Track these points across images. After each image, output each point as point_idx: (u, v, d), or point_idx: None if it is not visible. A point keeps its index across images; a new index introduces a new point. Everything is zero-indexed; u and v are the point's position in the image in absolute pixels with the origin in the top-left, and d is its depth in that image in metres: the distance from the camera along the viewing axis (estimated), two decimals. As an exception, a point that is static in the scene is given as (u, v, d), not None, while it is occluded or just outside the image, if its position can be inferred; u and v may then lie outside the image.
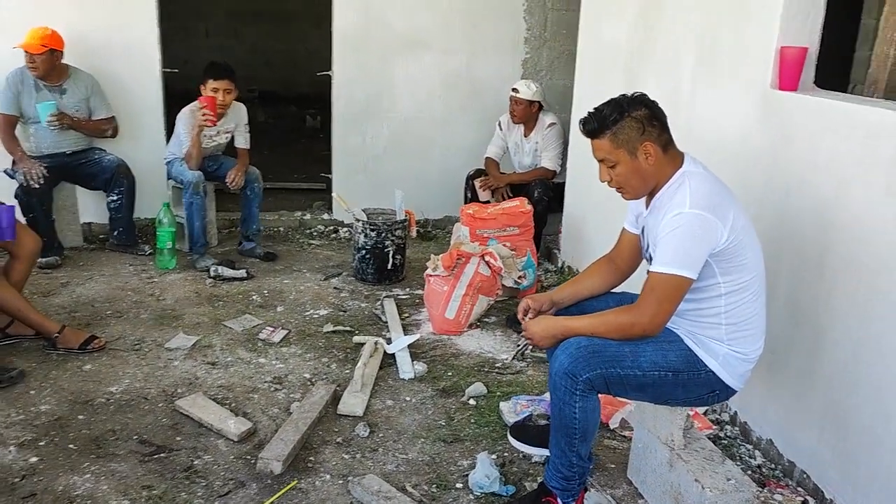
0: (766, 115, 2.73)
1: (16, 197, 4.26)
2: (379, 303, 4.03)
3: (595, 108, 2.19)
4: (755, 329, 2.20)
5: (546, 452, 2.56)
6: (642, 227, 2.33)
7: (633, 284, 2.49)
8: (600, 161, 2.21)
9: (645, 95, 2.20)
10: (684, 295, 2.10)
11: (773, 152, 2.69)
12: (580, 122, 2.22)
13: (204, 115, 4.28)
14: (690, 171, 2.16)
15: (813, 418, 2.51)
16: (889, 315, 2.19)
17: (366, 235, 4.30)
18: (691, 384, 2.19)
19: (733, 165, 2.80)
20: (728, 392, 2.23)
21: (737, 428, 2.93)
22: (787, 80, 2.66)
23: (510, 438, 2.72)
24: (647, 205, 2.28)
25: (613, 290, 2.50)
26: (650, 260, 2.27)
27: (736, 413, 2.94)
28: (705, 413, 2.97)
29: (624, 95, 2.19)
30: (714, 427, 2.90)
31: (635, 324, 2.13)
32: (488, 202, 4.78)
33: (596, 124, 2.16)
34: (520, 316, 2.46)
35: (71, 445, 2.64)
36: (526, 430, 2.72)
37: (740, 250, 2.11)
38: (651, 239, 2.22)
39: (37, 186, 4.24)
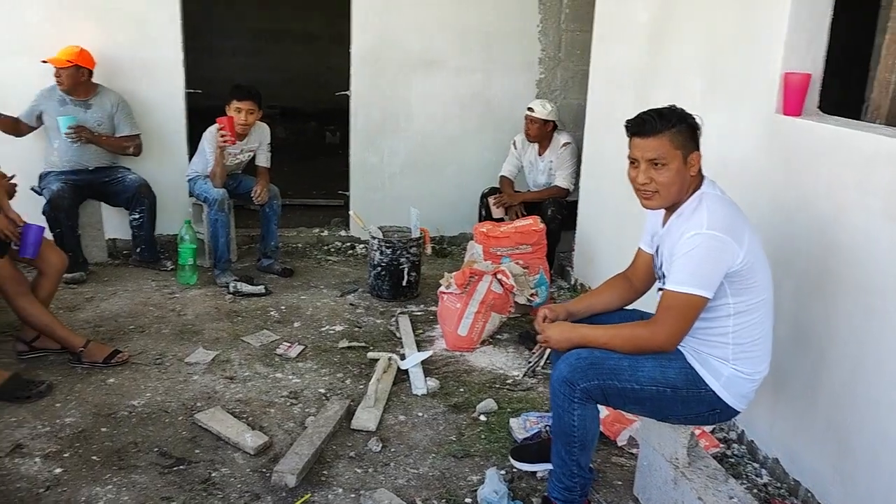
0: (771, 139, 2.78)
1: (43, 213, 4.40)
2: (394, 319, 4.11)
3: (652, 110, 2.23)
4: (761, 350, 2.25)
5: (547, 466, 2.63)
6: (657, 245, 2.39)
7: (644, 303, 2.55)
8: (649, 161, 2.20)
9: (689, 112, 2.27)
10: (699, 314, 2.16)
11: (777, 176, 2.75)
12: (630, 121, 2.24)
13: (223, 135, 4.41)
14: (708, 193, 2.23)
15: (816, 437, 2.55)
16: (886, 336, 2.23)
17: (381, 253, 4.39)
18: (691, 401, 2.24)
19: (738, 188, 2.84)
20: (730, 412, 2.27)
21: (744, 446, 2.97)
22: (791, 105, 2.71)
23: (512, 461, 2.77)
24: (664, 223, 2.34)
25: (625, 307, 2.57)
26: (662, 278, 2.33)
27: (743, 431, 2.98)
28: (712, 431, 3.01)
29: (674, 105, 2.25)
30: (721, 445, 2.94)
31: (651, 339, 2.19)
32: (502, 220, 4.85)
33: (658, 123, 2.18)
34: (537, 322, 2.52)
35: (94, 457, 2.74)
36: (525, 449, 2.78)
37: (753, 272, 2.16)
38: (666, 257, 2.28)
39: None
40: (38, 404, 3.07)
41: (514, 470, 2.75)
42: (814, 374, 2.55)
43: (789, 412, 2.69)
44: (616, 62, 4.15)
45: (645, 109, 2.27)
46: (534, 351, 2.62)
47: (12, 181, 3.59)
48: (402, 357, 3.62)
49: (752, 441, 2.92)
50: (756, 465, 2.86)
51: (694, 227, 2.14)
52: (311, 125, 9.85)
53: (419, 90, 5.32)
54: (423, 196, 5.30)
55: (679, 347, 2.26)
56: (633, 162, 2.27)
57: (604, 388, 2.20)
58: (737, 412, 2.29)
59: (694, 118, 2.25)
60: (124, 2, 4.81)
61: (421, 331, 4.01)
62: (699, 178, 2.27)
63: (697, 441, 2.55)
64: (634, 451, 2.88)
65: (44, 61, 4.46)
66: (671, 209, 2.30)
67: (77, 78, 4.52)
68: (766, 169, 2.80)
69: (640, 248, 2.55)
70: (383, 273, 4.40)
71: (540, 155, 4.90)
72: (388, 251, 4.38)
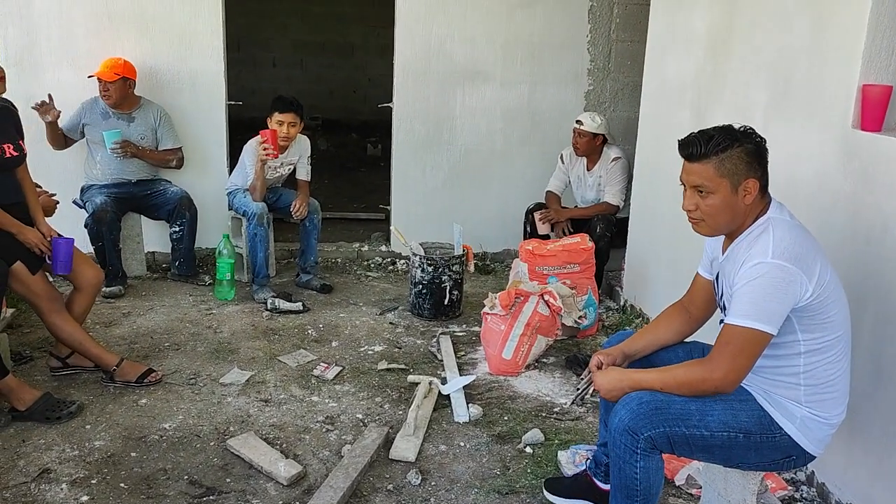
0: (847, 156, 2.56)
1: (85, 226, 4.37)
2: (435, 340, 3.96)
3: (701, 131, 2.05)
4: (838, 392, 2.04)
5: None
6: (717, 272, 2.19)
7: (704, 333, 2.36)
8: (694, 187, 2.05)
9: (755, 130, 2.06)
10: (762, 351, 1.96)
11: (854, 196, 2.52)
12: (680, 142, 2.07)
13: (265, 149, 4.32)
14: (775, 218, 2.03)
15: (899, 485, 2.32)
16: None
17: (423, 270, 4.25)
18: (764, 448, 2.03)
19: (810, 210, 2.65)
20: (806, 458, 2.06)
21: (814, 489, 2.73)
22: (870, 120, 2.50)
23: (545, 492, 2.60)
24: (724, 249, 2.15)
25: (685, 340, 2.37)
26: (724, 309, 2.14)
27: (813, 473, 2.75)
28: (779, 472, 2.78)
29: (733, 125, 2.06)
30: (789, 488, 2.71)
31: (707, 379, 1.99)
32: (548, 236, 4.68)
33: (703, 147, 2.01)
34: (591, 365, 2.34)
35: (122, 484, 2.63)
36: (560, 482, 2.62)
37: (825, 307, 1.96)
38: (726, 287, 2.09)
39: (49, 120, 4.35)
40: (67, 426, 2.98)
41: (562, 509, 2.57)
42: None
43: (867, 455, 2.46)
44: (671, 74, 3.95)
45: (701, 124, 2.09)
46: (582, 377, 2.44)
47: (53, 197, 3.54)
48: (444, 381, 3.46)
49: (824, 484, 2.68)
50: (828, 510, 2.63)
51: (758, 256, 1.95)
52: (352, 137, 9.80)
53: (463, 102, 5.17)
54: (467, 211, 5.15)
55: (748, 389, 2.06)
56: (683, 185, 2.10)
57: (670, 435, 2.00)
58: (813, 457, 2.08)
59: (757, 139, 2.04)
60: (168, 14, 4.77)
61: (463, 353, 3.84)
62: (765, 202, 2.07)
63: (767, 485, 2.33)
64: (694, 491, 2.67)
65: (91, 76, 4.43)
66: (731, 235, 2.11)
67: (125, 90, 4.49)
68: (841, 189, 2.58)
69: (698, 274, 2.35)
70: (424, 291, 4.26)
71: (588, 170, 4.71)
72: (430, 268, 4.23)
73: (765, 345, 1.95)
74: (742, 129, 2.05)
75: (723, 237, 2.17)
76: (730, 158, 1.99)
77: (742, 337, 1.94)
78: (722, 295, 2.14)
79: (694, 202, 2.06)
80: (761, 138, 2.06)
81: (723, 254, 2.15)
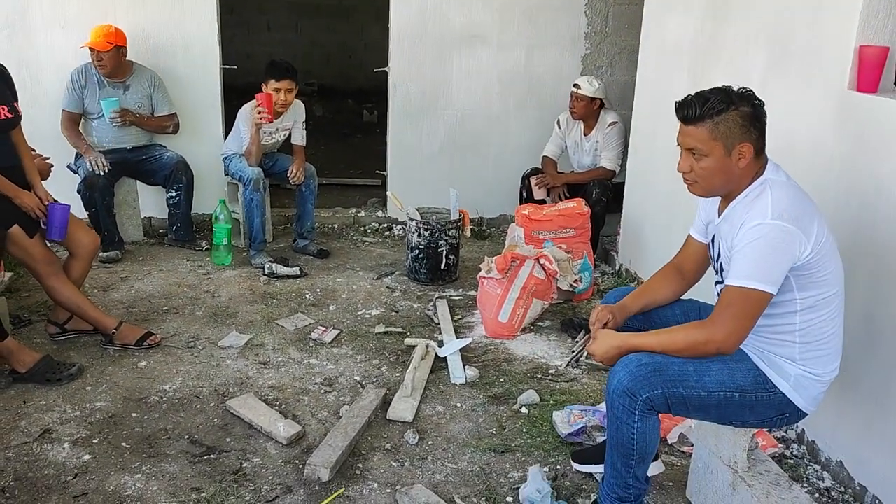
0: (843, 118, 2.57)
1: (78, 192, 4.35)
2: (431, 304, 3.98)
3: (697, 93, 2.03)
4: (831, 349, 2.07)
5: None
6: (712, 235, 2.20)
7: (697, 291, 2.38)
8: (688, 149, 2.05)
9: (753, 93, 2.04)
10: (763, 311, 1.97)
11: (849, 158, 2.53)
12: (677, 104, 2.06)
13: (259, 112, 4.29)
14: (772, 179, 2.03)
15: (887, 442, 2.36)
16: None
17: (419, 235, 4.26)
18: (759, 406, 2.06)
19: (806, 171, 2.64)
20: (799, 415, 2.10)
21: (804, 447, 2.78)
22: (866, 81, 2.50)
23: (573, 464, 2.60)
24: (720, 211, 2.15)
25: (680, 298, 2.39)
26: (719, 270, 2.15)
27: (803, 431, 2.80)
28: (770, 430, 2.82)
29: (731, 87, 2.04)
30: (779, 445, 2.76)
31: (709, 341, 2.00)
32: (544, 201, 4.68)
33: (697, 110, 1.99)
34: (592, 318, 2.34)
35: (123, 444, 2.66)
36: (585, 452, 2.62)
37: (822, 265, 1.97)
38: (724, 249, 2.10)
39: (101, 174, 4.31)
40: (68, 387, 3.01)
41: (558, 467, 2.61)
42: (888, 375, 2.35)
43: (857, 413, 2.50)
44: (669, 37, 3.93)
45: (699, 87, 2.07)
46: (577, 340, 2.46)
47: (47, 161, 3.52)
48: (440, 344, 3.49)
49: (814, 442, 2.73)
50: (817, 467, 2.68)
51: (757, 217, 1.95)
52: (348, 103, 9.73)
53: (460, 66, 5.13)
54: (463, 176, 5.15)
55: (744, 348, 2.08)
56: (679, 146, 2.10)
57: (668, 396, 2.02)
58: (805, 414, 2.12)
59: (755, 101, 2.02)
60: (160, -24, 4.71)
61: (459, 316, 3.87)
62: (761, 164, 2.06)
63: (757, 442, 2.37)
64: (685, 449, 2.72)
65: (83, 47, 4.37)
66: (728, 197, 2.11)
67: (118, 59, 4.43)
68: (836, 150, 2.59)
69: (690, 236, 2.36)
70: (421, 256, 4.27)
71: (585, 134, 4.70)
72: (427, 233, 4.24)
73: (766, 305, 1.96)
74: (740, 90, 2.03)
75: (718, 199, 2.17)
76: (724, 122, 1.98)
77: (743, 298, 1.95)
78: (719, 257, 2.15)
79: (688, 164, 2.06)
80: (759, 101, 2.04)
81: (719, 216, 2.16)
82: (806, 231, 1.94)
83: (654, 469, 2.36)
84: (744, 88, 2.05)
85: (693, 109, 2.00)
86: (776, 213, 1.94)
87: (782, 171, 2.08)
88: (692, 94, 2.05)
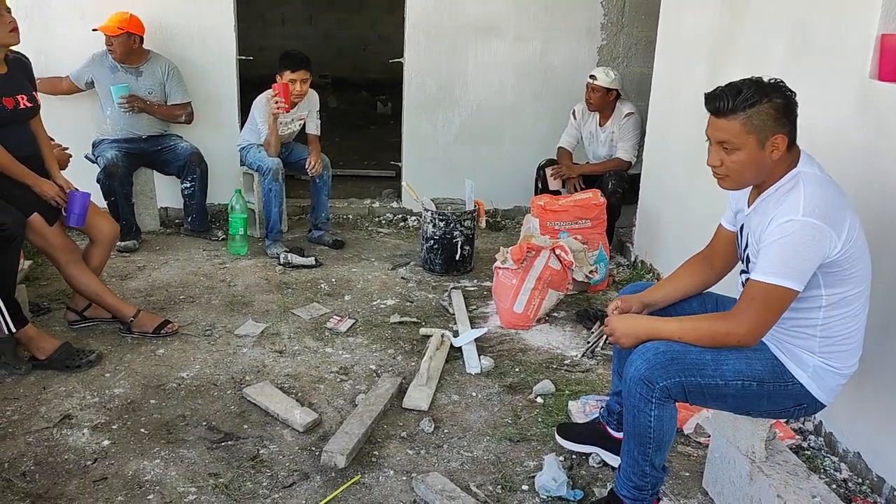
0: (864, 107, 2.54)
1: (97, 181, 4.38)
2: (446, 294, 3.99)
3: (729, 85, 1.97)
4: (852, 345, 2.04)
5: (588, 450, 2.55)
6: (741, 224, 2.17)
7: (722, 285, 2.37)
8: (719, 143, 2.00)
9: (785, 84, 1.99)
10: (787, 307, 1.95)
11: (871, 147, 2.51)
12: (707, 96, 2.01)
13: (276, 102, 4.30)
14: (806, 173, 1.98)
15: (907, 434, 2.34)
16: None
17: (434, 225, 4.26)
18: (777, 396, 2.05)
19: (827, 160, 2.57)
20: (816, 406, 2.08)
21: (821, 438, 2.77)
22: (888, 70, 2.47)
23: (557, 437, 2.64)
24: (750, 202, 2.11)
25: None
26: (745, 261, 2.13)
27: (821, 423, 2.78)
28: (787, 421, 2.81)
29: (762, 78, 1.99)
30: (796, 436, 2.75)
31: (731, 333, 1.98)
32: (559, 192, 4.67)
33: (730, 102, 1.93)
34: (609, 309, 2.34)
35: (142, 430, 2.69)
36: (571, 430, 2.64)
37: (851, 262, 1.94)
38: (752, 241, 2.06)
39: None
40: (87, 374, 3.04)
41: (574, 456, 2.61)
42: (907, 365, 2.34)
43: (875, 404, 2.48)
44: (686, 27, 3.90)
45: (716, 78, 2.04)
46: (592, 330, 2.45)
47: (66, 151, 3.55)
48: (456, 334, 3.49)
49: (831, 433, 2.72)
50: (835, 458, 2.66)
51: (788, 213, 1.90)
52: (362, 95, 9.74)
53: (476, 57, 5.13)
54: (478, 167, 5.15)
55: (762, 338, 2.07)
56: (708, 140, 2.05)
57: (685, 384, 2.01)
58: (823, 406, 2.10)
59: (788, 92, 1.97)
60: (177, -34, 4.73)
61: (474, 307, 3.88)
62: (794, 155, 2.01)
63: (775, 433, 2.36)
64: (703, 439, 2.71)
65: (94, 29, 4.41)
66: (759, 188, 2.06)
67: (129, 45, 4.46)
68: (858, 140, 2.57)
69: (721, 225, 2.32)
70: (436, 246, 4.27)
71: (601, 125, 4.69)
72: (442, 224, 4.24)
73: (791, 301, 1.94)
74: (771, 81, 1.98)
75: (749, 189, 2.13)
76: (758, 114, 1.93)
77: (768, 293, 1.92)
78: (746, 247, 2.12)
79: (719, 158, 2.00)
80: (791, 91, 1.99)
81: (749, 206, 2.11)
82: (837, 229, 1.90)
83: None
84: (774, 78, 2.00)
85: (725, 102, 1.95)
86: (808, 210, 1.89)
87: (816, 164, 2.03)
88: (722, 85, 1.99)
